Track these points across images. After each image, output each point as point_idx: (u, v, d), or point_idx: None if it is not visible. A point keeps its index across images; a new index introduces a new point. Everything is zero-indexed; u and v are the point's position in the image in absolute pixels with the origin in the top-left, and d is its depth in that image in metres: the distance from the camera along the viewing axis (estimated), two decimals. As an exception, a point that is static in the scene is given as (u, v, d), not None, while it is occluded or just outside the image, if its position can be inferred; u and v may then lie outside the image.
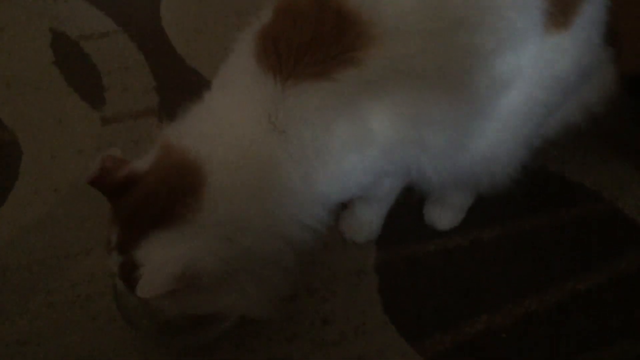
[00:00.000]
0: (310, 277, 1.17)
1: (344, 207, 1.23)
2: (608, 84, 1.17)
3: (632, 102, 1.31)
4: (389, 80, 0.88)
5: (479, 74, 0.93)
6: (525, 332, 1.13)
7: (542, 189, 1.35)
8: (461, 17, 0.89)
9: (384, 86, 0.88)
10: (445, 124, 0.94)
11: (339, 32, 0.86)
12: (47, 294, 1.11)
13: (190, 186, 0.86)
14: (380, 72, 0.87)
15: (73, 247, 1.18)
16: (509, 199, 1.27)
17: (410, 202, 1.22)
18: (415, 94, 0.90)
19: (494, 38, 0.92)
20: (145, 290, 0.80)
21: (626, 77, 1.23)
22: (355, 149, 0.91)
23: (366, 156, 0.92)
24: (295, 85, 0.86)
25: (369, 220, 1.22)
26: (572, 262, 1.24)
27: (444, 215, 1.26)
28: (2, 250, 1.17)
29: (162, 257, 0.83)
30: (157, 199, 0.86)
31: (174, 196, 0.86)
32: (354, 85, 0.86)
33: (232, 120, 0.90)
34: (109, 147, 1.31)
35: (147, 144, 1.01)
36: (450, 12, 0.89)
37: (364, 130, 0.89)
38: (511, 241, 1.26)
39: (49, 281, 1.13)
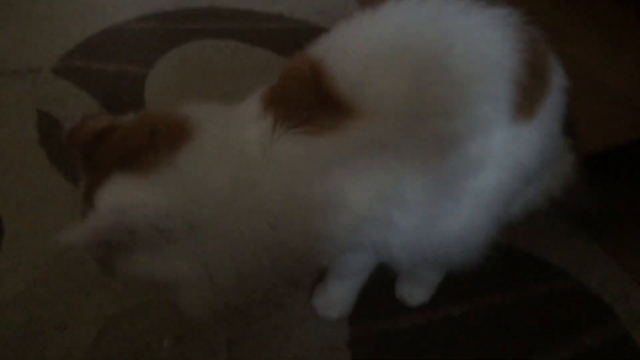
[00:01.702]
0: (283, 354, 1.19)
1: (318, 282, 1.27)
2: (567, 172, 1.23)
3: (593, 182, 1.37)
4: (364, 155, 0.94)
5: (452, 157, 0.98)
6: (494, 407, 1.16)
7: (509, 266, 1.40)
8: (438, 105, 0.96)
9: (359, 159, 0.94)
10: (415, 205, 0.98)
11: (327, 104, 0.93)
12: (24, 370, 1.13)
13: (172, 138, 0.89)
14: (357, 146, 0.93)
15: (50, 322, 1.19)
16: (478, 276, 1.31)
17: (382, 278, 1.26)
18: (389, 171, 0.95)
19: (467, 125, 0.98)
20: (74, 231, 0.83)
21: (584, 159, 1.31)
22: (325, 212, 0.95)
23: (334, 222, 0.96)
24: (286, 133, 0.93)
25: (341, 297, 1.25)
26: (539, 338, 1.27)
27: (415, 292, 1.30)
28: (-22, 327, 1.18)
29: (106, 200, 0.86)
30: (132, 139, 0.89)
31: (150, 140, 0.88)
32: (331, 151, 0.92)
33: (236, 118, 0.97)
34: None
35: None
36: (428, 99, 0.95)
37: (335, 197, 0.94)
38: (480, 317, 1.30)
39: (25, 356, 1.14)
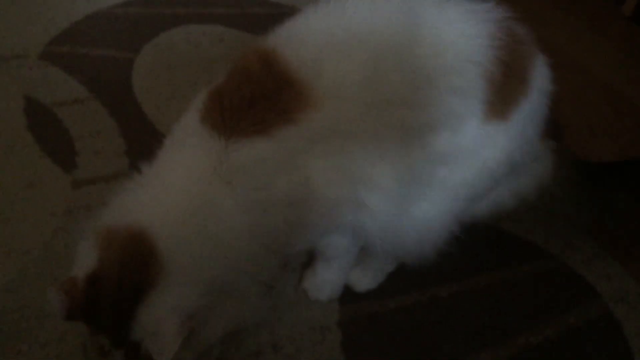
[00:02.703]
0: (275, 334, 1.21)
1: (307, 265, 1.29)
2: (542, 175, 1.25)
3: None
4: (325, 140, 0.94)
5: (414, 146, 0.99)
6: (481, 384, 1.19)
7: (496, 247, 1.43)
8: (396, 95, 0.95)
9: (321, 146, 0.94)
10: (382, 186, 0.99)
11: (280, 93, 0.93)
12: (17, 354, 1.13)
13: (145, 257, 0.90)
14: (318, 132, 0.93)
15: (43, 308, 1.20)
16: (465, 257, 1.34)
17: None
18: (351, 156, 0.96)
19: (430, 118, 0.98)
20: (166, 353, 0.86)
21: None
22: (295, 204, 0.96)
23: (306, 211, 0.98)
24: (238, 141, 0.92)
25: (330, 280, 1.27)
26: (524, 317, 1.30)
27: (363, 278, 1.31)
28: (-28, 312, 1.19)
29: (157, 321, 0.89)
30: (123, 285, 0.89)
31: (134, 274, 0.90)
32: (291, 142, 0.93)
33: (179, 181, 0.95)
34: (79, 209, 1.38)
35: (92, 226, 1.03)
36: (385, 88, 0.95)
37: (303, 187, 0.95)
38: (467, 297, 1.32)
39: (19, 342, 1.15)
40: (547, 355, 1.24)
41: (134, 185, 0.99)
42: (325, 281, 1.27)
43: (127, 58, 1.84)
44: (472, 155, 1.05)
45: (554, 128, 1.22)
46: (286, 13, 1.02)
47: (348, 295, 1.30)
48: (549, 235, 1.46)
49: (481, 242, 1.41)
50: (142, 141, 1.58)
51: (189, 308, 0.91)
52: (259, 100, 0.93)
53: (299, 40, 0.98)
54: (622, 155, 1.68)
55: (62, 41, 1.87)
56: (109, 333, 0.92)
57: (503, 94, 1.02)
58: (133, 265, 0.90)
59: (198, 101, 0.99)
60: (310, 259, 1.29)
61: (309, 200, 0.97)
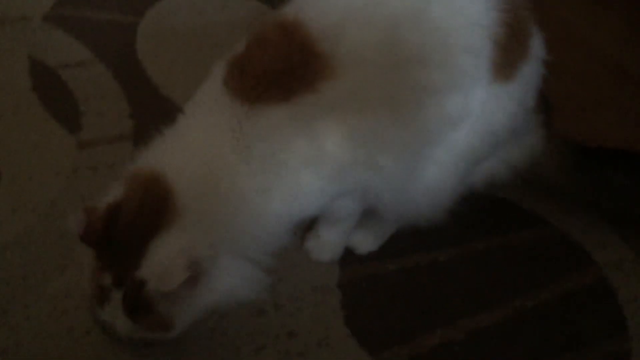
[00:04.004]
0: (277, 294, 1.23)
1: (309, 228, 1.31)
2: (535, 147, 1.29)
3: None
4: (344, 106, 0.98)
5: (429, 108, 1.02)
6: (477, 345, 1.21)
7: (496, 215, 1.45)
8: (415, 55, 0.99)
9: (339, 111, 0.98)
10: (396, 147, 1.03)
11: (301, 62, 0.97)
12: (25, 308, 1.16)
13: (162, 197, 0.96)
14: (336, 99, 0.97)
15: (50, 264, 1.22)
16: (465, 223, 1.36)
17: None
18: (368, 119, 0.99)
19: (445, 77, 1.02)
20: (169, 281, 0.90)
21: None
22: (310, 168, 1.00)
23: (321, 175, 1.01)
24: (257, 107, 0.97)
25: (332, 241, 1.29)
26: (521, 281, 1.33)
27: (365, 240, 1.33)
28: (-20, 267, 1.21)
29: (165, 258, 0.93)
30: (140, 219, 0.95)
31: (152, 212, 0.95)
32: (310, 109, 0.96)
33: (199, 140, 1.00)
34: (85, 169, 1.40)
35: (122, 167, 1.10)
36: (404, 49, 0.99)
37: (319, 150, 0.99)
38: (465, 262, 1.35)
39: (27, 296, 1.17)
40: (541, 317, 1.27)
41: (161, 138, 1.04)
42: (327, 242, 1.29)
43: (131, 22, 1.84)
44: (479, 117, 1.09)
45: (544, 103, 1.25)
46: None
47: (349, 257, 1.32)
48: (548, 204, 1.48)
49: (482, 210, 1.43)
50: (146, 104, 1.59)
51: (196, 254, 0.94)
52: (279, 68, 0.97)
53: (318, 9, 1.01)
54: (629, 132, 1.70)
55: (66, 4, 1.87)
56: (116, 265, 0.95)
57: (507, 55, 1.07)
58: (151, 202, 0.96)
59: (219, 69, 1.03)
60: (312, 220, 1.31)
61: (324, 165, 1.00)
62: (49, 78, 1.63)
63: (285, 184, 1.00)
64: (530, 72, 1.14)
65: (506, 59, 1.07)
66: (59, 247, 1.25)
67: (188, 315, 1.00)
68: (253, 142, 0.98)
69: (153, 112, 1.57)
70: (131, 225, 0.95)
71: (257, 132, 0.98)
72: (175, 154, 1.01)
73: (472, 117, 1.08)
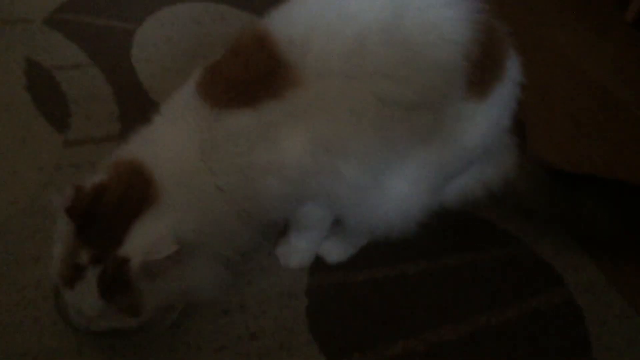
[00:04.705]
0: (244, 296, 1.25)
1: (282, 234, 1.34)
2: (509, 168, 1.31)
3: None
4: (308, 114, 1.01)
5: (393, 121, 1.04)
6: (438, 358, 1.22)
7: (469, 232, 1.47)
8: (381, 68, 1.01)
9: (303, 119, 1.01)
10: (360, 158, 1.05)
11: (268, 70, 1.00)
12: (-5, 295, 1.19)
13: (144, 181, 1.00)
14: (301, 106, 1.00)
15: (24, 255, 1.25)
16: (437, 239, 1.38)
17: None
18: (331, 128, 1.02)
19: (412, 93, 1.03)
20: (158, 251, 0.94)
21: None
22: (273, 172, 1.03)
23: (283, 180, 1.04)
24: (225, 111, 1.01)
25: (302, 248, 1.32)
26: (488, 298, 1.34)
27: (335, 250, 1.36)
28: (-45, 253, 1.24)
29: (152, 234, 0.97)
30: (124, 200, 0.99)
31: (136, 193, 0.99)
32: (275, 115, 1.00)
33: (173, 136, 1.04)
34: (68, 167, 1.43)
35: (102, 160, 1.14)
36: (370, 62, 1.00)
37: (282, 156, 1.02)
38: (435, 276, 1.37)
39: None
40: (506, 335, 1.28)
41: (139, 134, 1.09)
42: (297, 249, 1.32)
43: (129, 29, 1.88)
44: (450, 134, 1.10)
45: (519, 126, 1.27)
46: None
47: (319, 265, 1.34)
48: (522, 224, 1.50)
49: (455, 227, 1.45)
50: (135, 108, 1.63)
51: (177, 231, 0.98)
52: (249, 76, 1.01)
53: (289, 21, 1.04)
54: (609, 156, 1.72)
55: (67, 9, 1.92)
56: (97, 242, 0.97)
57: (481, 74, 1.08)
58: (135, 185, 1.00)
59: (196, 73, 1.08)
60: (285, 227, 1.33)
61: (286, 169, 1.03)
62: (43, 78, 1.67)
63: (248, 186, 1.04)
64: (505, 92, 1.15)
65: (480, 77, 1.08)
66: (34, 240, 1.28)
67: (156, 300, 1.02)
68: (219, 143, 1.02)
69: (141, 115, 1.60)
70: (115, 205, 0.98)
71: (223, 135, 1.01)
72: (152, 147, 1.05)
73: (443, 134, 1.10)
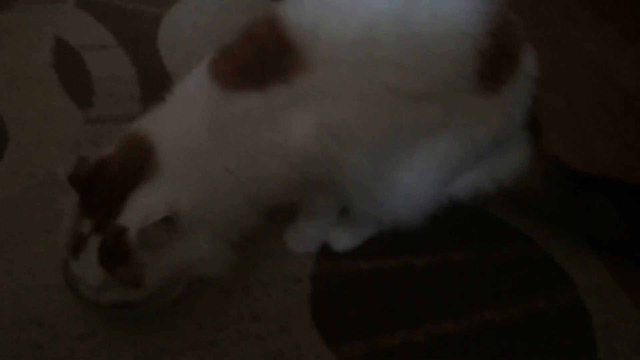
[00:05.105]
0: (247, 277, 1.27)
1: (290, 219, 1.35)
2: (522, 164, 1.29)
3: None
4: (315, 99, 1.02)
5: (401, 111, 1.04)
6: (437, 350, 1.22)
7: (479, 227, 1.46)
8: (389, 57, 1.01)
9: (310, 103, 1.02)
10: (366, 145, 1.05)
11: (279, 55, 1.01)
12: (8, 262, 1.22)
13: (144, 152, 1.02)
14: (308, 91, 1.01)
15: (38, 225, 1.29)
16: (447, 233, 1.38)
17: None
18: (338, 114, 1.03)
19: (420, 83, 1.03)
20: (148, 217, 0.96)
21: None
22: (278, 155, 1.04)
23: (288, 163, 1.05)
24: (234, 92, 1.02)
25: (309, 234, 1.33)
26: (493, 294, 1.34)
27: (342, 237, 1.36)
28: (-28, 220, 1.28)
29: (146, 203, 0.99)
30: (123, 170, 1.02)
31: (135, 164, 1.02)
32: (283, 99, 1.01)
33: (181, 112, 1.07)
34: (87, 143, 1.47)
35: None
36: (379, 50, 1.01)
37: (288, 139, 1.03)
38: (441, 269, 1.36)
39: (12, 251, 1.24)
40: (507, 332, 1.27)
41: (150, 110, 1.12)
42: (304, 235, 1.33)
43: (157, 13, 1.92)
44: (460, 127, 1.10)
45: (534, 122, 1.26)
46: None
47: (325, 253, 1.35)
48: (534, 223, 1.48)
49: (464, 222, 1.45)
50: (157, 90, 1.65)
51: (174, 205, 0.99)
52: (259, 59, 1.03)
53: (301, 6, 1.05)
54: (628, 161, 1.69)
55: (98, -9, 1.96)
56: (98, 212, 1.00)
57: (494, 68, 1.07)
58: (134, 156, 1.03)
59: (210, 55, 1.10)
60: (294, 212, 1.35)
61: (291, 154, 1.05)
62: (70, 57, 1.71)
63: (253, 168, 1.05)
64: (519, 87, 1.14)
65: (492, 72, 1.07)
66: (48, 211, 1.31)
67: (158, 273, 1.04)
68: (227, 124, 1.04)
69: (162, 97, 1.63)
70: (115, 176, 1.01)
71: (231, 116, 1.03)
72: (159, 121, 1.09)
73: (453, 126, 1.10)
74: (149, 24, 1.88)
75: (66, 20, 1.83)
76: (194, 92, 1.08)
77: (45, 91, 1.59)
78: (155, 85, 1.67)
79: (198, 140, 1.04)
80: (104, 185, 1.01)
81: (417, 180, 1.14)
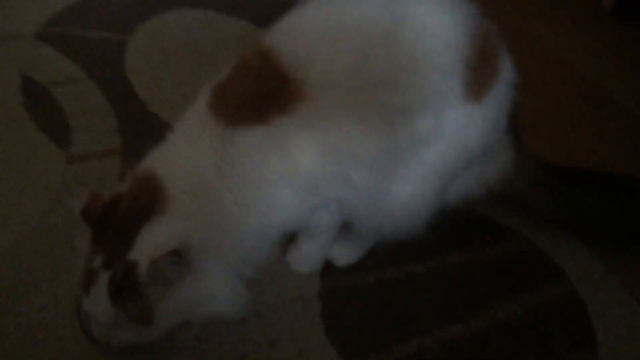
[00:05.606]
0: (258, 304, 1.28)
1: (290, 240, 1.36)
2: (506, 165, 1.36)
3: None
4: (316, 125, 1.04)
5: (399, 127, 1.08)
6: (451, 355, 1.26)
7: (470, 229, 1.50)
8: (384, 76, 1.05)
9: (313, 130, 1.04)
10: (369, 163, 1.08)
11: (276, 87, 1.04)
12: (15, 317, 1.20)
13: (153, 189, 1.04)
14: (309, 119, 1.04)
15: (40, 274, 1.27)
16: (440, 237, 1.41)
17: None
18: (340, 137, 1.05)
19: (415, 97, 1.08)
20: (158, 251, 0.97)
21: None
22: (287, 183, 1.06)
23: (297, 190, 1.07)
24: (237, 128, 1.04)
25: (312, 254, 1.34)
26: (494, 293, 1.38)
27: (344, 253, 1.39)
28: (-27, 277, 1.25)
29: (157, 238, 1.00)
30: (134, 207, 1.03)
31: (145, 201, 1.03)
32: (286, 129, 1.03)
33: (187, 149, 1.08)
34: (74, 183, 1.44)
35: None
36: (374, 71, 1.05)
37: (295, 167, 1.05)
38: (441, 274, 1.40)
39: (17, 305, 1.22)
40: (514, 328, 1.32)
41: (155, 149, 1.12)
42: (307, 255, 1.35)
43: (120, 40, 1.89)
44: (452, 136, 1.14)
45: (513, 125, 1.31)
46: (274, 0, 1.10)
47: (329, 269, 1.37)
48: (522, 220, 1.53)
49: (456, 224, 1.48)
50: (134, 120, 1.64)
51: (185, 240, 1.01)
52: (258, 93, 1.05)
53: (291, 36, 1.09)
54: (599, 149, 1.76)
55: (57, 22, 1.92)
56: (109, 247, 1.01)
57: (478, 77, 1.13)
58: (144, 193, 1.05)
59: (205, 92, 1.11)
60: (293, 233, 1.36)
61: (299, 180, 1.07)
62: (39, 94, 1.68)
63: (263, 199, 1.07)
64: (501, 92, 1.20)
65: (477, 80, 1.13)
66: (48, 258, 1.30)
67: (169, 310, 1.04)
68: (233, 159, 1.05)
69: (141, 127, 1.62)
70: (126, 212, 1.03)
71: (237, 151, 1.05)
72: (165, 158, 1.10)
73: (445, 136, 1.14)
74: (113, 51, 1.85)
75: (29, 56, 1.79)
76: (197, 129, 1.08)
77: (21, 133, 1.56)
78: (131, 115, 1.65)
79: (206, 176, 1.05)
80: (115, 221, 1.03)
81: (415, 191, 1.17)
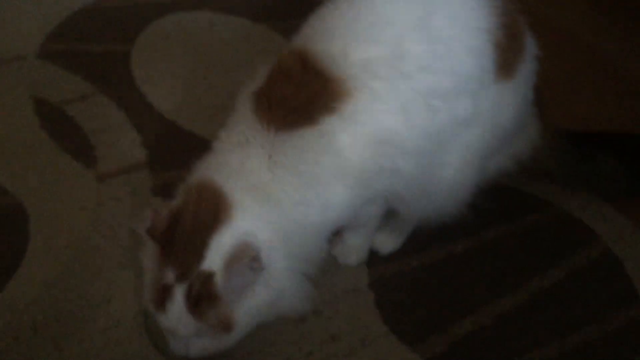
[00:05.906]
0: (314, 300, 1.30)
1: (335, 234, 1.38)
2: (534, 137, 1.40)
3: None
4: (362, 120, 1.07)
5: (441, 112, 1.11)
6: (505, 327, 1.30)
7: (501, 202, 1.53)
8: (422, 64, 1.08)
9: (359, 125, 1.07)
10: (415, 152, 1.11)
11: (319, 88, 1.06)
12: (80, 343, 1.20)
13: (214, 197, 1.06)
14: (354, 115, 1.06)
15: (94, 297, 1.27)
16: (472, 214, 1.44)
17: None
18: (386, 130, 1.08)
19: (453, 82, 1.11)
20: (239, 258, 1.01)
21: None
22: (340, 180, 1.09)
23: (350, 185, 1.10)
24: (287, 132, 1.06)
25: (357, 245, 1.37)
26: (534, 263, 1.43)
27: (388, 241, 1.42)
28: (28, 308, 1.25)
29: (230, 245, 1.02)
30: (199, 218, 1.04)
31: (209, 210, 1.05)
32: (333, 127, 1.06)
33: (241, 158, 1.09)
34: (108, 201, 1.44)
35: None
36: (411, 60, 1.08)
37: (346, 163, 1.08)
38: (479, 251, 1.44)
39: (79, 330, 1.22)
40: (559, 294, 1.37)
41: (200, 161, 1.14)
42: (353, 247, 1.37)
43: (123, 50, 1.87)
44: (488, 115, 1.18)
45: (538, 97, 1.35)
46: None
47: (373, 258, 1.40)
48: (547, 187, 1.57)
49: (485, 198, 1.52)
50: (154, 130, 1.64)
51: (255, 243, 1.04)
52: (302, 96, 1.07)
53: (326, 35, 1.11)
54: (605, 112, 1.81)
55: (56, 39, 1.89)
56: (180, 261, 1.02)
57: (508, 55, 1.17)
58: (206, 202, 1.06)
59: (245, 99, 1.13)
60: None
61: (351, 175, 1.09)
62: (55, 115, 1.65)
63: (320, 196, 1.09)
64: (528, 67, 1.25)
65: (507, 58, 1.17)
66: (99, 280, 1.30)
67: (247, 314, 1.07)
68: (287, 161, 1.07)
69: (163, 137, 1.62)
70: (192, 224, 1.04)
71: (289, 154, 1.07)
72: (220, 167, 1.11)
73: (482, 116, 1.17)
74: (120, 62, 1.83)
75: (35, 77, 1.76)
76: (247, 136, 1.10)
77: (45, 156, 1.54)
78: (151, 126, 1.64)
79: (262, 180, 1.07)
80: (181, 235, 1.03)
81: (458, 173, 1.21)
